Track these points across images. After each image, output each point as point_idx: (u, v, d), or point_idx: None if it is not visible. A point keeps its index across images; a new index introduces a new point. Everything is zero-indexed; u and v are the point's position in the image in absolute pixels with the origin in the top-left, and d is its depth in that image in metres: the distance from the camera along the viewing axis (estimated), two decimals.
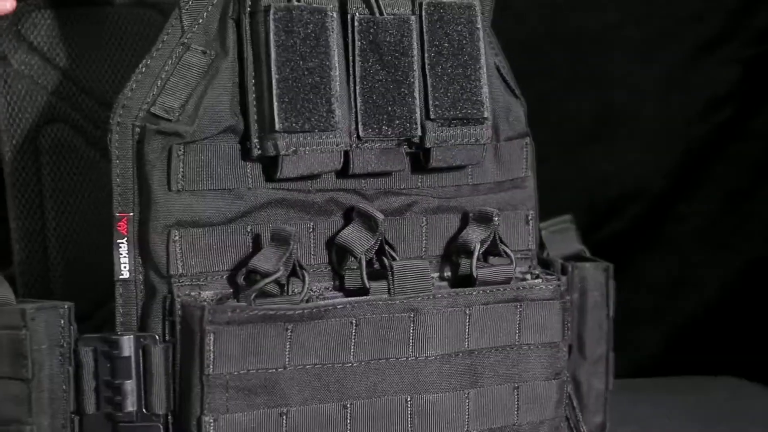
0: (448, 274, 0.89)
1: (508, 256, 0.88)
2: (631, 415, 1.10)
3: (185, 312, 0.81)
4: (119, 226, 0.83)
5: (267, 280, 0.80)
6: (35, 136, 1.00)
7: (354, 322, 0.83)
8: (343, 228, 0.86)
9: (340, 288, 0.85)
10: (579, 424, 0.92)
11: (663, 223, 1.56)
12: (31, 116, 0.99)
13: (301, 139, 0.82)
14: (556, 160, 1.48)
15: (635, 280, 1.53)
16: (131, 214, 0.83)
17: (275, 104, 0.81)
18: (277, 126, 0.81)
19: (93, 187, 1.01)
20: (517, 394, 0.88)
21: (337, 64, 0.83)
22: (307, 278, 0.82)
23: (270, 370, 0.81)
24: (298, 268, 0.82)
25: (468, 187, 0.90)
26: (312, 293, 0.84)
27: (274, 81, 0.81)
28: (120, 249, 0.82)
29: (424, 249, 0.88)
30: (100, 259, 1.00)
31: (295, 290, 0.82)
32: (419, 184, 0.89)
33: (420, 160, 0.87)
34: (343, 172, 0.85)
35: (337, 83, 0.83)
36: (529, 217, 0.92)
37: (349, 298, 0.83)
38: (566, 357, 0.90)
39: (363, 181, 0.87)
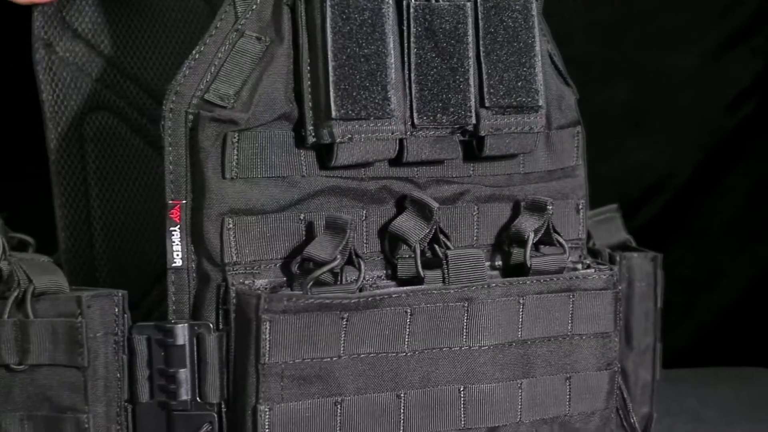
0: (499, 263, 0.88)
1: (561, 245, 0.87)
2: (676, 406, 1.10)
3: (240, 300, 0.80)
4: (172, 214, 0.82)
5: (324, 269, 0.79)
6: (80, 123, 0.99)
7: (409, 311, 0.82)
8: (395, 216, 0.85)
9: (393, 277, 0.84)
10: (629, 416, 0.91)
11: (693, 214, 1.55)
12: (76, 104, 0.99)
13: (356, 126, 0.82)
14: (589, 150, 1.47)
15: (666, 271, 1.52)
16: (184, 201, 0.82)
17: (331, 91, 0.80)
18: (333, 113, 0.81)
19: (138, 175, 1.01)
20: (569, 385, 0.87)
21: (392, 51, 0.82)
22: (363, 267, 0.81)
23: (325, 359, 0.80)
24: (354, 257, 0.81)
25: (519, 175, 0.90)
26: (364, 282, 0.83)
27: (330, 68, 0.81)
28: (172, 237, 0.82)
29: (475, 238, 0.88)
30: (145, 247, 1.00)
31: (350, 279, 0.82)
32: (471, 172, 0.88)
33: (473, 149, 0.86)
34: (397, 160, 0.84)
35: (393, 70, 0.82)
36: (580, 207, 0.91)
37: (404, 287, 0.82)
38: (617, 347, 0.89)
39: (415, 169, 0.86)
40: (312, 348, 0.80)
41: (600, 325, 0.88)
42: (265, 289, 0.81)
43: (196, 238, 0.82)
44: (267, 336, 0.79)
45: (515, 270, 0.87)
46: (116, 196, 1.00)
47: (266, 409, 0.79)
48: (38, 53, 0.98)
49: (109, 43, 0.99)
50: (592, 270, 0.87)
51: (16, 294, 0.80)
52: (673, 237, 1.58)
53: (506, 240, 0.88)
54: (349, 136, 0.81)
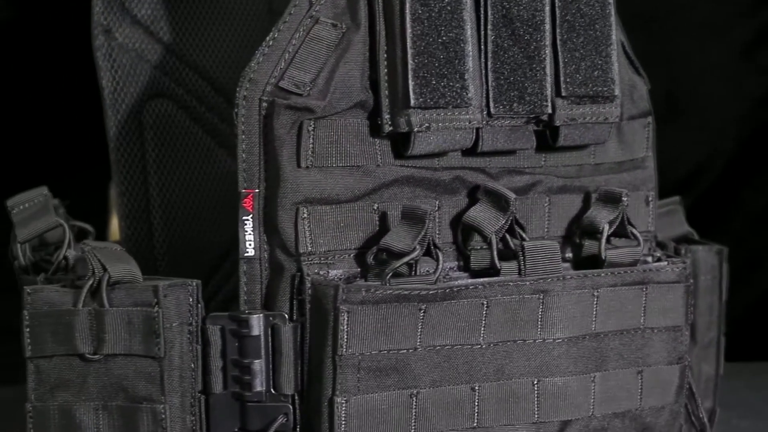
0: (569, 255, 0.87)
1: (635, 237, 0.86)
2: (735, 400, 1.09)
3: (316, 291, 0.79)
4: (245, 203, 0.81)
5: (404, 260, 0.78)
6: (139, 111, 0.98)
7: (485, 303, 0.81)
8: (467, 207, 0.84)
9: (465, 268, 0.83)
10: (698, 410, 0.90)
11: (727, 206, 1.54)
12: (135, 91, 0.97)
13: (434, 115, 0.80)
14: None
15: None
16: (257, 190, 0.81)
17: (410, 79, 0.79)
18: (412, 102, 0.79)
19: (196, 164, 0.99)
20: (641, 379, 0.86)
21: (470, 38, 0.81)
22: (441, 258, 0.80)
23: (401, 351, 0.79)
24: (432, 248, 0.80)
25: (590, 166, 0.88)
26: (440, 273, 0.82)
27: (409, 55, 0.79)
28: (245, 226, 0.81)
29: (546, 229, 0.86)
30: (203, 236, 0.99)
31: (426, 270, 0.80)
32: (543, 162, 0.87)
33: (546, 139, 0.85)
34: (470, 150, 0.83)
35: (471, 58, 0.81)
36: (650, 199, 0.90)
37: (482, 279, 0.81)
38: (688, 341, 0.88)
39: (488, 160, 0.85)
40: (389, 339, 0.79)
41: (672, 318, 0.87)
42: (340, 279, 0.80)
43: (269, 227, 0.80)
44: (345, 327, 0.78)
45: (586, 262, 0.86)
46: (175, 186, 0.98)
47: (343, 401, 0.78)
48: (98, 39, 0.97)
49: (168, 30, 0.98)
50: (665, 263, 0.86)
51: (90, 283, 0.79)
52: (706, 229, 1.57)
53: (578, 232, 0.87)
54: (427, 125, 0.80)
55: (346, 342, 0.78)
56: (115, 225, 1.37)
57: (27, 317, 0.80)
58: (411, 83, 0.79)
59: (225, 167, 0.99)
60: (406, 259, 0.78)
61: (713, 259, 0.98)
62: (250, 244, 0.81)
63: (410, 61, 0.79)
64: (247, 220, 0.81)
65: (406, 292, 0.79)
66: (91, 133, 1.46)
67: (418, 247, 0.79)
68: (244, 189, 0.81)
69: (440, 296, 0.79)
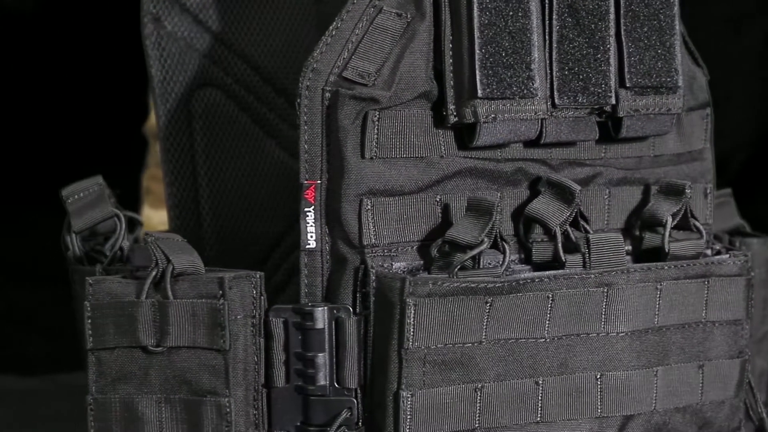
0: (628, 248, 0.85)
1: (698, 230, 0.85)
2: None
3: (382, 284, 0.78)
4: (306, 195, 0.79)
5: (472, 252, 0.77)
6: (188, 100, 0.96)
7: (551, 296, 0.80)
8: (528, 199, 0.83)
9: (526, 261, 0.82)
10: (757, 405, 0.90)
11: (755, 197, 1.53)
12: (184, 80, 0.96)
13: (500, 106, 0.79)
14: None
15: None
16: (319, 182, 0.80)
17: (477, 69, 0.78)
18: (479, 92, 0.78)
19: (244, 154, 0.98)
20: (702, 373, 0.85)
21: (536, 28, 0.80)
22: (508, 250, 0.79)
23: (467, 345, 0.78)
24: (499, 240, 0.79)
25: (649, 158, 0.87)
26: (488, 266, 0.81)
27: (476, 45, 0.78)
28: (307, 218, 0.79)
29: (606, 222, 0.85)
30: (252, 227, 0.98)
31: (488, 262, 0.79)
32: (603, 154, 0.86)
33: (607, 130, 0.84)
34: (534, 141, 0.82)
35: (536, 48, 0.80)
36: (708, 191, 0.89)
37: (548, 272, 0.80)
38: (748, 335, 0.88)
39: (549, 151, 0.84)
40: (455, 333, 0.78)
41: (733, 312, 0.86)
42: (404, 272, 0.79)
43: (331, 219, 0.79)
44: (411, 320, 0.77)
45: (646, 255, 0.85)
46: (223, 176, 0.97)
47: (408, 395, 0.77)
48: (147, 28, 0.96)
49: (217, 19, 0.97)
50: (727, 256, 0.86)
51: (154, 274, 0.78)
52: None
53: (638, 224, 0.86)
54: (493, 115, 0.79)
55: (413, 335, 0.77)
56: (146, 215, 1.36)
57: (89, 308, 0.79)
58: (478, 73, 0.78)
59: (273, 158, 0.98)
60: (474, 252, 0.77)
61: (767, 252, 0.97)
62: (311, 236, 0.80)
63: (477, 51, 0.78)
64: (309, 211, 0.80)
65: (473, 285, 0.77)
66: (119, 123, 1.45)
67: (486, 239, 0.78)
68: (306, 180, 0.80)
69: (506, 289, 0.78)
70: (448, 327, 0.78)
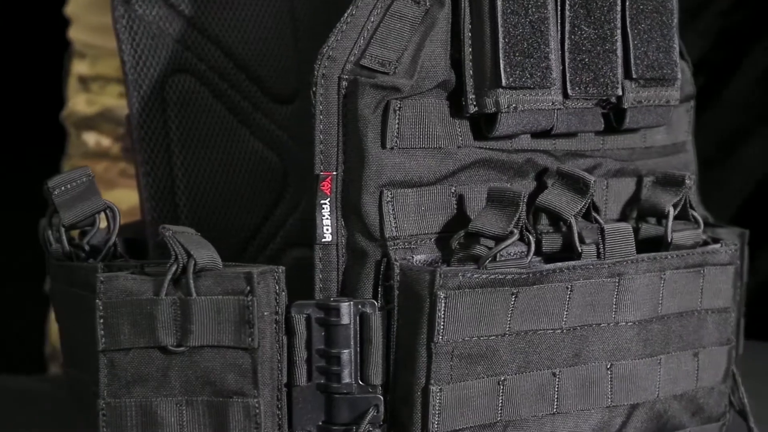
0: None
1: (696, 220, 0.85)
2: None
3: (407, 277, 0.75)
4: (323, 186, 0.76)
5: (504, 244, 0.75)
6: (162, 86, 0.91)
7: (569, 287, 0.78)
8: (535, 190, 0.81)
9: (537, 252, 0.80)
10: (739, 390, 0.90)
11: None
12: (157, 65, 0.91)
13: (521, 96, 0.77)
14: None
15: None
16: (335, 173, 0.76)
17: (501, 58, 0.76)
18: (504, 81, 0.76)
19: (220, 144, 0.93)
20: (697, 360, 0.85)
21: (552, 18, 0.79)
22: (533, 241, 0.77)
23: (491, 337, 0.76)
24: (524, 231, 0.77)
25: (641, 149, 0.87)
26: (509, 257, 0.79)
27: (500, 33, 0.76)
28: (323, 210, 0.76)
29: (604, 213, 0.84)
30: (229, 220, 0.93)
31: (511, 253, 0.77)
32: (601, 146, 0.85)
33: (609, 121, 0.84)
34: (542, 132, 0.81)
35: (553, 38, 0.79)
36: (692, 183, 0.90)
37: (567, 263, 0.78)
38: (734, 322, 0.88)
39: (554, 142, 0.82)
40: (481, 325, 0.76)
41: (723, 300, 0.86)
42: (423, 264, 0.77)
43: (347, 211, 0.76)
44: (441, 313, 0.74)
45: (643, 245, 0.85)
46: (199, 166, 0.92)
47: (437, 390, 0.74)
48: (117, 10, 0.90)
49: (189, 3, 0.92)
50: (718, 245, 0.86)
51: (174, 269, 0.73)
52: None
53: (635, 214, 0.85)
54: (514, 105, 0.77)
55: (443, 329, 0.74)
56: None
57: (101, 307, 0.73)
58: (502, 62, 0.76)
59: (248, 147, 0.93)
60: (506, 243, 0.75)
61: (736, 242, 0.98)
62: (327, 229, 0.76)
63: (501, 40, 0.76)
64: (325, 204, 0.76)
65: (501, 277, 0.75)
66: (28, 112, 1.37)
67: (515, 230, 0.76)
68: (322, 172, 0.76)
69: (531, 280, 0.77)
70: (476, 320, 0.75)
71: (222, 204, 0.93)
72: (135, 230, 0.92)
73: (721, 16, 1.54)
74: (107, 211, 0.80)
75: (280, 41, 0.94)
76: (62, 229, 0.80)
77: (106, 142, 1.25)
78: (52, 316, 1.34)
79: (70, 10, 1.28)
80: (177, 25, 0.91)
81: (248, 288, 0.73)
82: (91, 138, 1.26)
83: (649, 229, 0.85)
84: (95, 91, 1.26)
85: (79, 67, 1.28)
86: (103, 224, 0.84)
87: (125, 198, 1.21)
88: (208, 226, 0.92)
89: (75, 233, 0.84)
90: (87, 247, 0.82)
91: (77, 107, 1.28)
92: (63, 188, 0.80)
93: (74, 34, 1.28)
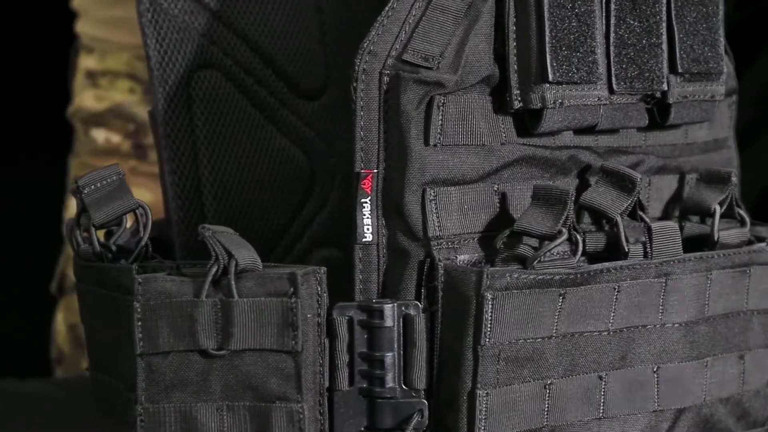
0: None
1: (742, 219, 0.84)
2: None
3: (452, 277, 0.74)
4: (363, 185, 0.75)
5: (554, 244, 0.74)
6: (188, 82, 0.90)
7: (617, 287, 0.78)
8: (578, 188, 0.81)
9: (577, 252, 0.78)
10: None
11: None
12: (183, 61, 0.90)
13: (567, 91, 0.77)
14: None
15: None
16: (375, 170, 0.75)
17: (548, 52, 0.75)
18: (550, 76, 0.76)
19: (246, 141, 0.93)
20: (743, 363, 0.85)
21: (598, 10, 0.78)
22: (580, 241, 0.77)
23: (538, 340, 0.76)
24: (572, 230, 0.77)
25: (682, 146, 0.86)
26: (554, 257, 0.79)
27: (546, 26, 0.75)
28: (363, 209, 0.75)
29: (646, 211, 0.84)
30: (255, 220, 0.93)
31: (554, 253, 0.77)
32: (643, 142, 0.84)
33: (652, 116, 0.83)
34: (585, 128, 0.80)
35: (599, 32, 0.78)
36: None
37: (614, 262, 0.78)
38: None
39: (596, 138, 0.82)
40: (528, 327, 0.75)
41: (767, 300, 0.86)
42: (467, 265, 0.76)
43: (388, 210, 0.75)
44: (489, 315, 0.73)
45: (688, 244, 0.84)
46: (226, 164, 0.91)
47: (484, 394, 0.74)
48: (142, 4, 0.89)
49: None
50: (764, 244, 0.86)
51: (215, 271, 0.72)
52: None
53: (678, 212, 0.85)
54: (560, 101, 0.77)
55: (489, 331, 0.74)
56: (73, 204, 1.28)
57: (139, 310, 0.73)
58: (548, 57, 0.76)
59: (274, 145, 0.93)
60: (556, 243, 0.74)
61: None
62: (368, 229, 0.75)
63: (548, 33, 0.76)
64: (366, 202, 0.75)
65: (548, 277, 0.75)
66: (35, 109, 1.36)
67: (564, 229, 0.75)
68: (362, 170, 0.76)
69: (578, 281, 0.76)
70: (523, 321, 0.75)
71: (249, 203, 0.92)
72: (158, 229, 0.91)
73: (735, 9, 1.54)
74: (138, 211, 0.79)
75: (307, 35, 0.93)
76: (92, 229, 0.79)
77: (115, 138, 1.24)
78: (59, 317, 1.33)
79: (77, 3, 1.27)
80: (202, 19, 0.90)
81: (292, 289, 0.72)
82: (100, 135, 1.25)
83: (692, 227, 0.85)
84: (104, 87, 1.25)
85: (86, 62, 1.27)
86: (128, 223, 0.83)
87: (137, 196, 1.20)
88: (235, 225, 0.91)
89: (100, 233, 0.84)
90: (114, 248, 0.81)
91: (85, 103, 1.27)
92: (93, 187, 0.79)
93: (82, 28, 1.27)
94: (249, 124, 0.93)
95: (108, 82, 1.25)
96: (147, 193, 1.18)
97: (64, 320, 1.28)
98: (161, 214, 0.95)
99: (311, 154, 0.94)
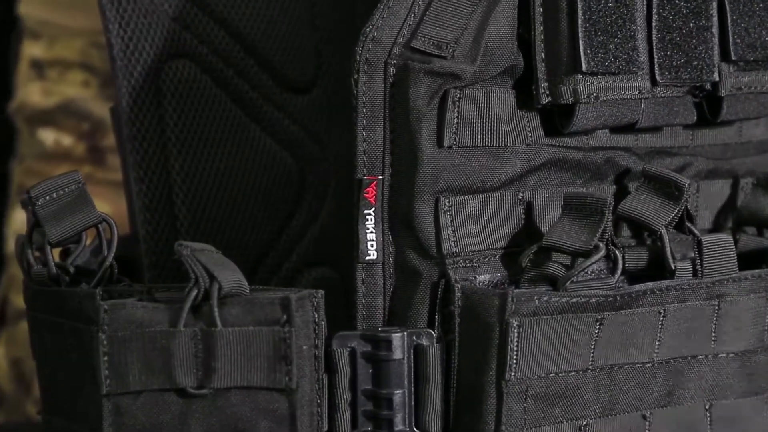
0: None
1: None
2: None
3: (471, 301, 0.75)
4: (366, 193, 0.76)
5: (590, 262, 0.75)
6: (157, 74, 0.91)
7: (662, 311, 0.79)
8: (616, 196, 0.82)
9: (614, 269, 0.80)
10: None
11: None
12: (151, 49, 0.90)
13: (603, 83, 0.78)
14: None
15: None
16: (380, 177, 0.76)
17: (581, 39, 0.76)
18: (584, 66, 0.76)
19: (223, 141, 0.93)
20: None
21: None
22: (620, 257, 0.78)
23: (571, 373, 0.76)
24: (610, 245, 0.77)
25: (736, 146, 0.87)
26: (587, 276, 0.79)
27: (579, 8, 0.76)
28: (366, 222, 0.76)
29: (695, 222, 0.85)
30: (236, 234, 0.93)
31: (588, 272, 0.78)
32: (690, 141, 0.85)
33: (702, 112, 0.84)
34: (623, 126, 0.81)
35: (639, 13, 0.79)
36: None
37: (659, 282, 0.79)
38: None
39: (635, 138, 0.83)
40: (560, 359, 0.76)
41: None
42: (487, 286, 0.77)
43: (396, 223, 0.76)
44: (514, 345, 0.74)
45: (742, 260, 0.85)
46: (201, 169, 0.92)
47: None
48: None
49: None
50: None
51: (194, 295, 0.73)
52: None
53: (733, 223, 0.86)
54: (595, 94, 0.78)
55: (515, 363, 0.75)
56: (17, 218, 1.29)
57: (105, 342, 0.73)
58: (581, 43, 0.76)
59: (258, 146, 0.93)
60: (593, 260, 0.75)
61: None
62: (372, 245, 0.76)
63: (580, 16, 0.76)
64: (369, 214, 0.76)
65: (584, 300, 0.76)
66: None
67: (601, 244, 0.76)
68: (365, 176, 0.76)
69: (618, 304, 0.77)
70: (554, 352, 0.76)
71: (228, 215, 0.93)
72: (121, 247, 0.92)
73: None
74: (101, 225, 0.80)
75: (295, 18, 0.94)
76: (47, 247, 0.80)
77: (67, 140, 1.25)
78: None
79: None
80: (174, 1, 0.91)
81: (284, 317, 0.73)
82: (48, 136, 1.26)
83: (749, 240, 0.86)
84: (53, 79, 1.26)
85: (32, 50, 1.28)
86: (88, 240, 0.84)
87: None
88: (212, 241, 0.92)
89: (56, 252, 0.84)
90: (72, 269, 0.82)
91: (30, 98, 1.28)
92: (48, 198, 0.80)
93: (26, 9, 1.28)
94: (228, 122, 0.93)
95: (58, 74, 1.25)
96: (105, 205, 1.19)
97: (4, 355, 1.28)
98: (126, 229, 0.96)
99: (301, 156, 0.95)
